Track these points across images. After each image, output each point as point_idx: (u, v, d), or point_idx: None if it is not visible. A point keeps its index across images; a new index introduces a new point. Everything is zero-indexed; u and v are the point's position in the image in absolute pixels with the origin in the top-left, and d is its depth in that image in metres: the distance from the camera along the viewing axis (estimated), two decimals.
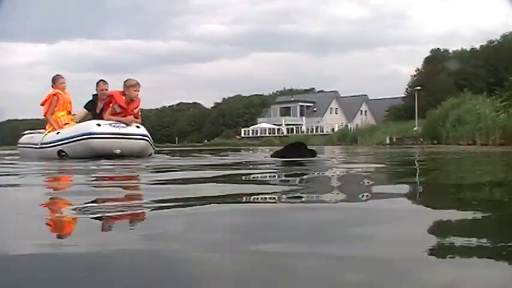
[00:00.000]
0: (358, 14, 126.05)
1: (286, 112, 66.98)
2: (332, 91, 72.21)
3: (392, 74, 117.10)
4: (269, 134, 58.52)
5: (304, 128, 59.30)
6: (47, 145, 8.66)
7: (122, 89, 8.56)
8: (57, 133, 8.63)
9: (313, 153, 6.18)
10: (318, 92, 79.31)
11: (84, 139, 8.04)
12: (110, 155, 7.74)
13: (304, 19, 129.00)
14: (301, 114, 66.53)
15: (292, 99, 69.32)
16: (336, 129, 51.25)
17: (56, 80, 9.11)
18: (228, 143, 48.10)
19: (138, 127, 8.50)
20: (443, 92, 39.03)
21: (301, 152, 6.06)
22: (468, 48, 62.12)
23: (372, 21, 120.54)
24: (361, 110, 69.64)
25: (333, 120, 60.92)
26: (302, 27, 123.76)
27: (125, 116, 8.45)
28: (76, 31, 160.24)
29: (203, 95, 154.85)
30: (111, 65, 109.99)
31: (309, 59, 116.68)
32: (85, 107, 9.55)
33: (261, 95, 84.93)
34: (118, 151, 7.92)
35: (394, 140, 32.33)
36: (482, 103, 20.22)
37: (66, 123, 9.00)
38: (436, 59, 60.94)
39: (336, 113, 68.23)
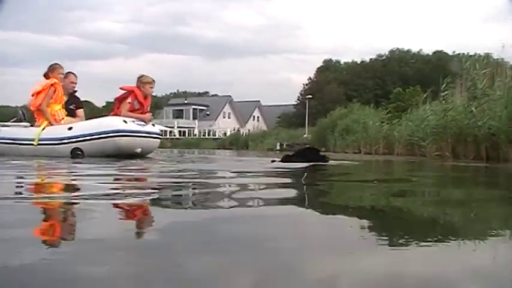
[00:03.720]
0: (255, 21, 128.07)
1: (179, 115, 66.35)
2: (226, 95, 72.65)
3: (285, 82, 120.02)
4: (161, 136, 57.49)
5: (196, 131, 58.97)
6: (52, 142, 7.64)
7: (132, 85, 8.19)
8: (69, 129, 7.69)
9: (324, 159, 5.92)
10: (212, 95, 79.51)
11: (111, 137, 7.43)
12: (130, 154, 7.40)
13: (200, 23, 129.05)
14: (194, 118, 66.25)
15: (186, 102, 68.82)
16: (228, 134, 51.33)
17: (54, 70, 8.09)
18: None
19: (153, 125, 8.44)
20: (333, 101, 40.36)
21: (313, 156, 5.76)
22: (359, 61, 64.90)
23: (268, 29, 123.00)
24: (254, 116, 70.57)
25: (225, 125, 61.10)
26: (198, 31, 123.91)
27: (142, 113, 8.07)
28: None
29: (95, 94, 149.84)
30: None
31: (204, 63, 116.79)
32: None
33: (155, 96, 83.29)
34: (139, 150, 7.62)
35: (285, 146, 32.77)
36: (369, 114, 20.92)
37: (62, 118, 8.06)
38: (328, 69, 63.15)
39: (229, 118, 68.63)
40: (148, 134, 7.92)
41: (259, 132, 43.88)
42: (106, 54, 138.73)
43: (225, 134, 52.17)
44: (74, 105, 8.55)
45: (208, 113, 67.79)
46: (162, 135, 8.47)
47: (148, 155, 8.13)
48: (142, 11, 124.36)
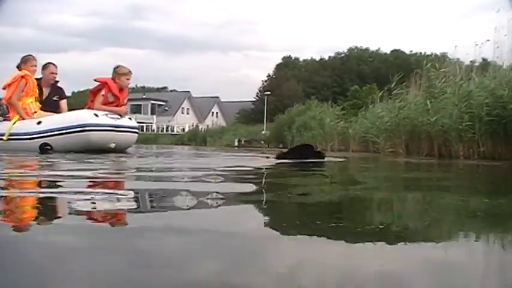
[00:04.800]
0: (215, 17, 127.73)
1: (137, 109, 65.41)
2: (184, 91, 72.10)
3: (245, 78, 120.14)
4: None
5: (154, 126, 58.36)
6: (20, 137, 7.21)
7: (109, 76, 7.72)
8: (38, 123, 7.23)
9: (320, 155, 5.87)
10: (171, 91, 78.87)
11: (80, 131, 6.97)
12: (103, 150, 6.91)
13: (160, 17, 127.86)
14: (152, 113, 65.58)
15: (144, 96, 67.99)
16: (186, 129, 50.96)
17: (27, 61, 7.64)
18: None
19: (130, 118, 7.93)
20: (292, 98, 40.53)
21: (308, 153, 5.66)
22: (317, 58, 65.49)
23: (228, 25, 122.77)
24: (213, 112, 70.39)
25: (184, 120, 60.67)
26: (157, 26, 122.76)
27: (117, 106, 7.62)
28: None
29: None
30: None
31: (163, 58, 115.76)
32: None
33: None
34: (113, 145, 7.19)
35: (243, 142, 32.78)
36: (326, 111, 21.08)
37: (34, 112, 7.58)
38: (287, 66, 63.53)
39: (188, 113, 68.22)
40: (123, 128, 7.48)
41: (218, 128, 43.74)
42: (64, 48, 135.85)
43: (184, 129, 51.76)
44: (57, 96, 8.18)
45: (166, 108, 67.21)
46: (138, 129, 8.00)
47: (127, 151, 7.74)
48: (100, 4, 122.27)
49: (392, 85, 13.67)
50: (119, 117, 7.50)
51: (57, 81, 8.31)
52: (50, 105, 7.91)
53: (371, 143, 13.33)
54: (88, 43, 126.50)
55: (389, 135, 12.29)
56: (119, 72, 7.70)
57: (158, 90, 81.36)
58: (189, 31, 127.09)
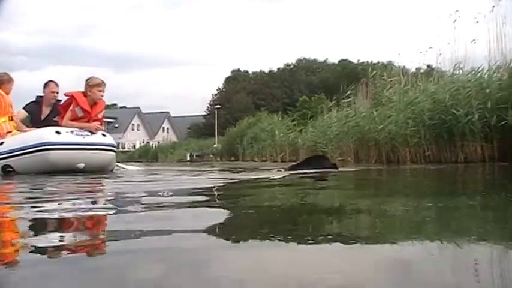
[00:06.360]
0: (161, 33, 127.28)
1: None
2: (134, 107, 71.32)
3: (195, 92, 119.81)
4: None
5: None
6: None
7: (82, 90, 6.95)
8: (1, 143, 6.58)
9: (334, 166, 6.05)
10: (120, 107, 77.81)
11: (39, 151, 6.23)
12: (71, 171, 6.07)
13: (106, 35, 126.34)
14: None
15: None
16: (137, 146, 50.40)
17: (3, 81, 7.10)
18: None
19: (104, 135, 6.93)
20: (242, 110, 40.68)
21: (322, 164, 5.94)
22: (266, 70, 65.87)
23: (176, 41, 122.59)
24: (164, 127, 69.86)
25: (134, 137, 60.03)
26: (102, 43, 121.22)
27: (87, 121, 6.82)
28: None
29: None
30: None
31: (111, 75, 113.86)
32: (25, 109, 7.60)
33: None
34: (81, 165, 6.34)
35: (195, 156, 32.66)
36: (277, 122, 21.21)
37: (8, 132, 6.95)
38: (237, 79, 63.64)
39: (138, 130, 67.49)
40: (94, 146, 6.64)
41: (170, 144, 43.47)
42: (8, 67, 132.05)
43: (134, 146, 51.26)
44: (58, 116, 7.40)
45: (116, 125, 66.20)
46: (115, 147, 7.14)
47: (110, 171, 6.93)
48: (45, 23, 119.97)
49: (341, 94, 13.89)
50: (88, 134, 6.71)
51: (59, 101, 7.65)
52: (49, 125, 7.08)
53: (321, 152, 13.45)
54: (33, 62, 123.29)
55: (339, 143, 12.44)
56: (89, 83, 6.97)
57: (107, 107, 79.95)
58: (137, 47, 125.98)
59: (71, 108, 6.83)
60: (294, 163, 6.59)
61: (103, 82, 7.07)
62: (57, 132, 6.45)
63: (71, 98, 6.92)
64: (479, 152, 8.89)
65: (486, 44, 9.80)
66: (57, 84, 7.73)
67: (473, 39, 10.12)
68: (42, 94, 7.73)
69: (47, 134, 6.46)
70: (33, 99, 7.81)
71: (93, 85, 6.94)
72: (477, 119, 8.66)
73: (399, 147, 10.07)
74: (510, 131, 8.26)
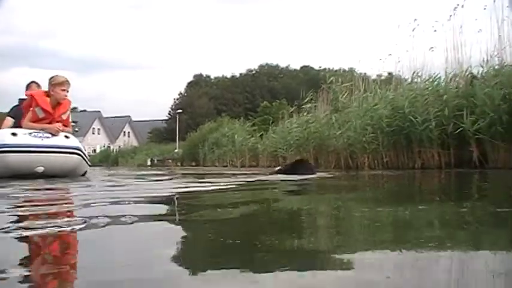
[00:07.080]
0: (123, 36, 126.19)
1: None
2: (95, 111, 70.23)
3: (157, 96, 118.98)
4: None
5: None
6: None
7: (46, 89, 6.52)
8: None
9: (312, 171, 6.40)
10: (81, 111, 76.55)
11: None
12: (28, 175, 5.67)
13: (67, 37, 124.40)
14: None
15: None
16: (98, 150, 49.68)
17: None
18: None
19: (67, 137, 6.45)
20: (204, 115, 40.52)
21: (306, 168, 6.33)
22: (229, 75, 65.87)
23: (137, 45, 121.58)
24: (125, 131, 69.04)
25: (95, 141, 59.18)
26: (64, 45, 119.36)
27: (50, 122, 6.37)
28: None
29: None
30: None
31: (72, 77, 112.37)
32: (9, 115, 7.18)
33: None
34: (41, 169, 5.93)
35: (156, 161, 32.39)
36: (238, 127, 21.20)
37: None
38: (199, 84, 63.39)
39: (99, 134, 66.50)
40: (54, 149, 6.21)
41: (130, 148, 43.03)
42: None
43: (95, 150, 50.47)
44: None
45: (76, 129, 64.45)
46: (81, 150, 6.61)
47: (80, 175, 6.64)
48: (9, 24, 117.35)
49: (302, 100, 13.94)
50: (49, 135, 6.30)
51: (23, 100, 7.11)
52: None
53: (281, 157, 13.45)
54: None
55: (299, 149, 12.45)
56: (52, 82, 6.57)
57: None
58: (98, 50, 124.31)
59: (31, 108, 6.47)
60: (279, 167, 7.01)
61: (67, 81, 6.68)
62: (13, 134, 6.14)
63: (31, 98, 6.55)
64: (436, 158, 9.01)
65: (443, 52, 9.97)
66: (38, 85, 7.37)
67: (431, 48, 10.29)
68: (25, 97, 7.22)
69: (2, 136, 6.16)
70: (16, 103, 7.40)
71: (56, 84, 6.55)
72: (434, 126, 8.77)
73: (358, 153, 10.12)
74: (466, 138, 8.39)
